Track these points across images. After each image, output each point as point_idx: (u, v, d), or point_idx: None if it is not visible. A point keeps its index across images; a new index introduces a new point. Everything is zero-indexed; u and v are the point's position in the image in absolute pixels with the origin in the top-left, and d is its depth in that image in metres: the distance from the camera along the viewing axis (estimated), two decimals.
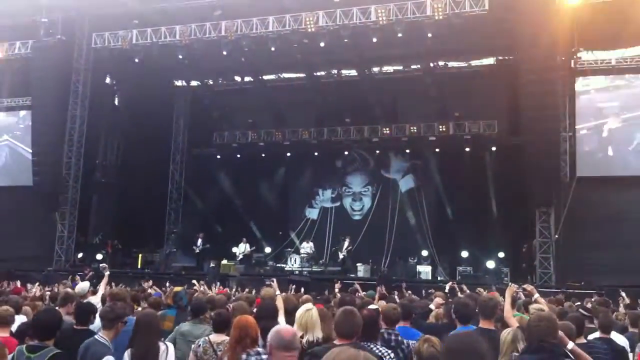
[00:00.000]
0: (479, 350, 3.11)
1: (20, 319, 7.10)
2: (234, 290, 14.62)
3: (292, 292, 12.13)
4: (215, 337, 5.95)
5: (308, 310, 5.67)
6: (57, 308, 6.88)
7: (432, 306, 8.56)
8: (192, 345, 6.00)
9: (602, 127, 21.26)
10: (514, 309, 7.84)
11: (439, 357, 4.48)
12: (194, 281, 13.25)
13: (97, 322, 6.50)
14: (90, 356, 5.35)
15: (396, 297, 10.78)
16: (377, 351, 5.05)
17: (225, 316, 6.24)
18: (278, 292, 7.67)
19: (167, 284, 13.76)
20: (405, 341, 5.93)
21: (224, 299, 8.62)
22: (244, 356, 5.06)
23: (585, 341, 6.22)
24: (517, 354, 4.93)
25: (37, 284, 14.34)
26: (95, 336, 5.66)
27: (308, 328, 5.48)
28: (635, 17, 18.99)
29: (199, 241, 24.51)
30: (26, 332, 5.82)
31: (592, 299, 11.78)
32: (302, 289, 14.13)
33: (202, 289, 12.34)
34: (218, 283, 17.28)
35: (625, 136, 21.04)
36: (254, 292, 12.25)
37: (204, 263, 23.64)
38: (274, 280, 8.58)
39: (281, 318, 6.56)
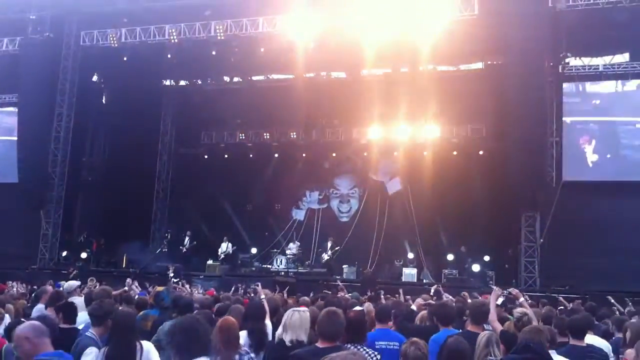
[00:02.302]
0: (198, 330, 3.78)
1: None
2: (196, 291, 14.39)
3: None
4: None
5: (295, 311, 5.64)
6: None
7: (413, 307, 8.57)
8: None
9: (589, 132, 21.42)
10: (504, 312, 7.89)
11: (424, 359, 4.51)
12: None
13: (80, 319, 6.51)
14: (79, 350, 5.39)
15: (382, 299, 10.79)
16: (364, 353, 5.00)
17: (206, 317, 6.22)
18: (263, 296, 7.65)
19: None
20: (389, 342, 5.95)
21: (210, 299, 8.60)
22: (236, 357, 5.06)
23: (585, 344, 6.26)
24: (491, 357, 4.93)
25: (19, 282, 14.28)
26: (86, 333, 5.67)
27: (288, 328, 5.45)
28: (623, 23, 19.12)
29: (186, 239, 24.44)
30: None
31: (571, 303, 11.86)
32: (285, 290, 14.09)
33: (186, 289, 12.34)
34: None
35: (611, 141, 21.18)
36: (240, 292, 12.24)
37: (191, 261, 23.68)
38: (259, 284, 8.58)
39: (267, 320, 6.57)
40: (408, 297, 12.02)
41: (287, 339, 5.39)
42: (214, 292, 13.65)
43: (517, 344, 4.95)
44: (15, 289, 12.08)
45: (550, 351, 5.25)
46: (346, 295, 11.50)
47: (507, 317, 7.33)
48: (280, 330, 5.60)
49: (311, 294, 12.36)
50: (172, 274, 20.52)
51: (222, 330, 5.22)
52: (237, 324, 5.36)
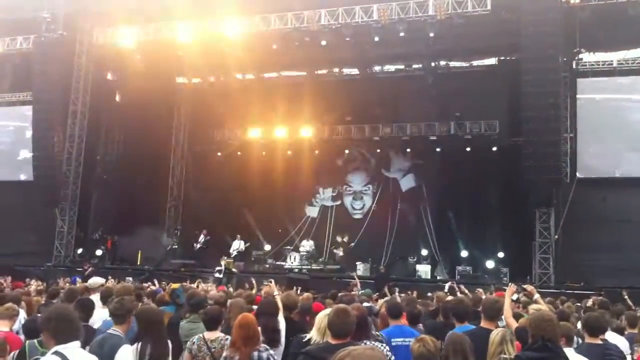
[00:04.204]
0: (72, 316, 4.10)
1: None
2: (230, 288, 14.61)
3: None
4: (208, 335, 5.96)
5: (328, 315, 5.29)
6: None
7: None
8: (187, 343, 6.00)
9: (599, 128, 21.31)
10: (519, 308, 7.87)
11: (430, 357, 4.51)
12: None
13: (96, 317, 6.56)
14: (109, 348, 5.35)
15: (397, 296, 10.81)
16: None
17: (214, 313, 6.25)
18: (277, 292, 7.66)
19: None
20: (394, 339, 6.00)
21: (224, 296, 8.63)
22: (255, 354, 5.08)
23: (600, 342, 6.24)
24: (505, 355, 4.93)
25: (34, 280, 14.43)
26: (109, 331, 5.69)
27: (325, 333, 5.36)
28: (637, 18, 18.99)
29: (201, 237, 24.51)
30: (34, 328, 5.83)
31: (590, 299, 11.82)
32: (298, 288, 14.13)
33: (201, 286, 12.41)
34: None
35: (625, 138, 21.05)
36: (254, 290, 12.27)
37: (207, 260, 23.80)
38: (272, 280, 8.59)
39: (280, 316, 6.58)
40: (430, 294, 12.08)
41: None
42: (225, 288, 13.80)
43: (531, 337, 4.92)
44: (33, 287, 12.22)
45: (567, 349, 5.23)
46: (358, 292, 11.53)
47: (521, 313, 7.31)
48: (314, 333, 5.54)
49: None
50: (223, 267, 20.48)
51: (242, 327, 5.24)
52: (254, 320, 5.39)
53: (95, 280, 9.55)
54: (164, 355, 5.38)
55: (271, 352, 5.27)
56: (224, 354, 5.45)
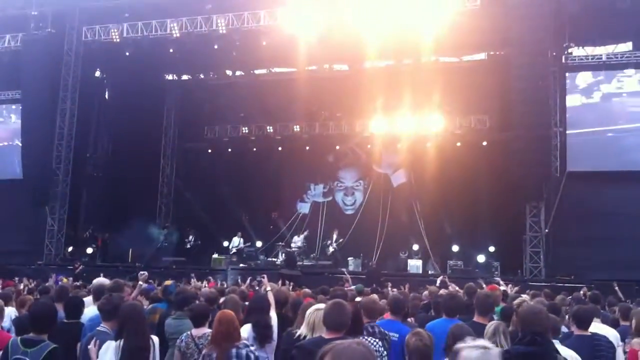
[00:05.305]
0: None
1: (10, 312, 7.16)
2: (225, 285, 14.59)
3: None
4: (196, 331, 5.97)
5: (318, 310, 5.34)
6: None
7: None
8: (177, 341, 6.00)
9: (594, 122, 21.34)
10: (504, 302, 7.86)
11: (425, 350, 4.53)
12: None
13: (85, 315, 6.54)
14: (98, 345, 5.37)
15: (390, 291, 10.85)
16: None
17: (200, 309, 6.25)
18: (269, 288, 7.67)
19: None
20: (388, 333, 5.97)
21: (215, 293, 8.61)
22: (233, 350, 5.08)
23: (590, 334, 6.26)
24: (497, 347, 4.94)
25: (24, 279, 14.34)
26: (98, 328, 5.68)
27: (315, 328, 5.30)
28: (626, 12, 19.05)
29: (190, 237, 24.51)
30: (25, 325, 5.82)
31: (581, 292, 11.87)
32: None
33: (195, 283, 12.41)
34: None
35: (614, 131, 21.10)
36: (244, 286, 12.26)
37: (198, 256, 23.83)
38: (265, 276, 8.61)
39: (272, 312, 6.58)
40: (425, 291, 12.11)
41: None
42: (215, 284, 13.80)
43: (520, 331, 4.94)
44: (22, 285, 12.15)
45: (554, 341, 5.26)
46: (351, 287, 11.55)
47: (511, 307, 7.34)
48: (304, 329, 5.51)
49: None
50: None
51: (222, 323, 5.24)
52: (235, 316, 5.40)
53: (101, 281, 9.45)
54: (142, 350, 5.37)
55: (251, 348, 5.26)
56: (204, 350, 5.45)
